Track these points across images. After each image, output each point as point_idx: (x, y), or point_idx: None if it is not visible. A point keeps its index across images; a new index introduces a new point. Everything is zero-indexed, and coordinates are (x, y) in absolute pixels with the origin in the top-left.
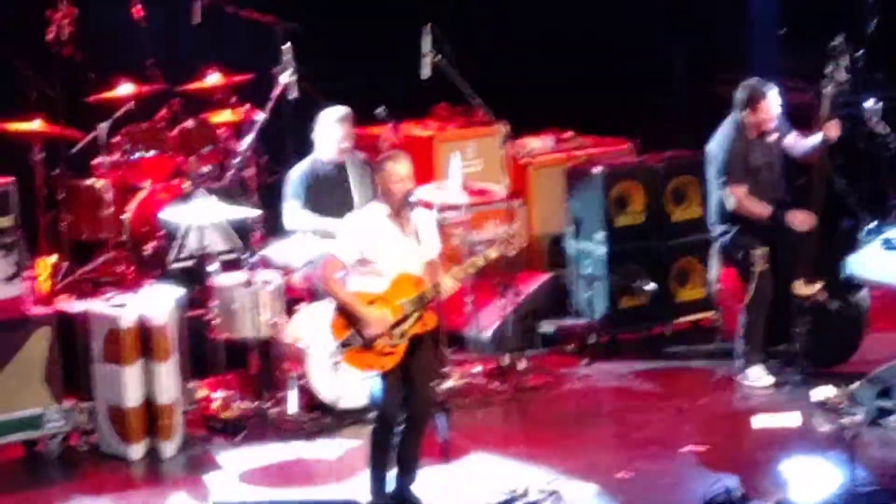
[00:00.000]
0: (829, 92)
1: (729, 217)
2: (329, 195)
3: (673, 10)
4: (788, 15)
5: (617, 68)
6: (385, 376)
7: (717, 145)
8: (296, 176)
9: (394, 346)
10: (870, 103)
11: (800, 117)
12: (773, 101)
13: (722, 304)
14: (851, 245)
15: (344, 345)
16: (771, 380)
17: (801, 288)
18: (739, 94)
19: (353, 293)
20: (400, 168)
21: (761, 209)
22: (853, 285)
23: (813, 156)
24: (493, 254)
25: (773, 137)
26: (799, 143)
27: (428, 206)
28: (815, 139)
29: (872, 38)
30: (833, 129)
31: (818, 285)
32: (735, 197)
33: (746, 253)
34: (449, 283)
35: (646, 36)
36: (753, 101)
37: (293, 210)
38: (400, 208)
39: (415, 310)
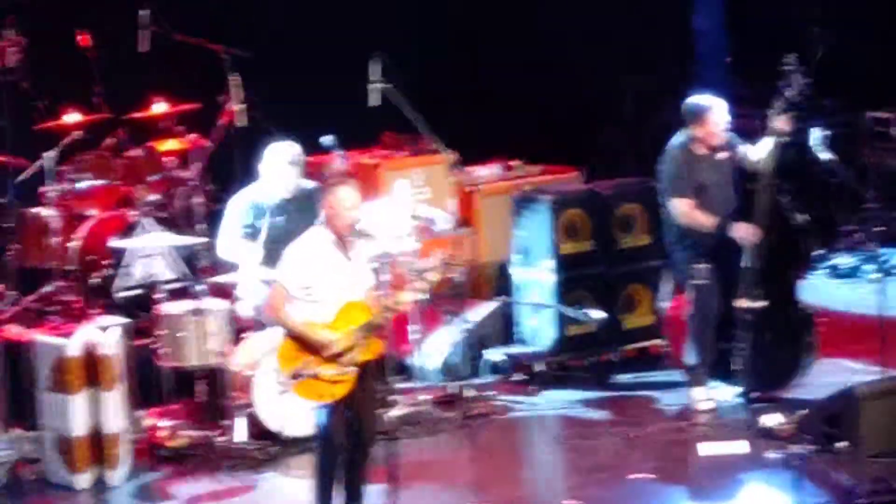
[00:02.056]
0: (779, 105)
1: (678, 234)
2: (270, 223)
3: (621, 40)
4: (735, 43)
5: (565, 97)
6: (331, 405)
7: (663, 163)
8: (235, 203)
9: (344, 374)
10: (817, 132)
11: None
12: (719, 115)
13: (671, 331)
14: (798, 262)
15: (294, 376)
16: (712, 403)
17: (745, 303)
18: (686, 109)
19: (303, 322)
20: (348, 196)
21: (707, 220)
22: (798, 306)
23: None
24: (434, 277)
25: (723, 155)
26: (750, 149)
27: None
28: (766, 140)
29: (819, 66)
30: (784, 123)
31: (762, 302)
32: (680, 209)
33: (689, 267)
34: (394, 308)
35: (594, 65)
36: (700, 115)
37: (228, 240)
38: (345, 236)
39: (363, 337)
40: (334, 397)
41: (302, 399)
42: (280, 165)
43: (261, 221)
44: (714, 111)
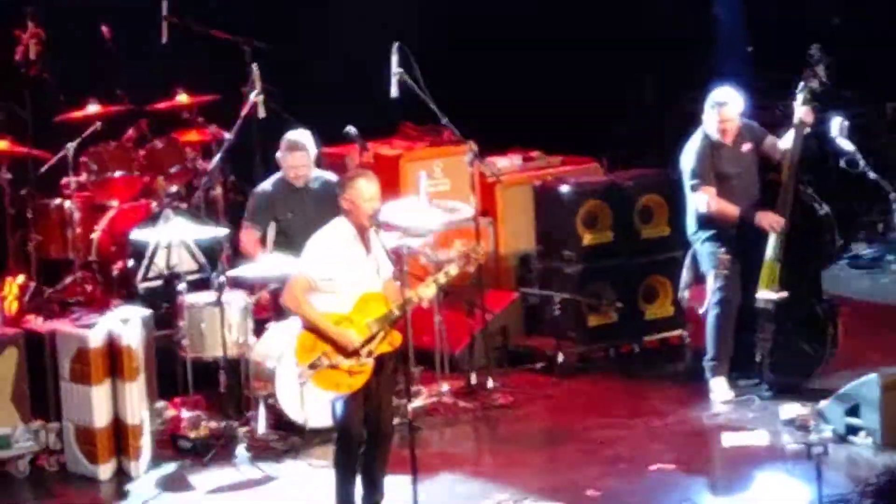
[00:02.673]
0: (803, 96)
1: (701, 223)
2: (291, 215)
3: (641, 30)
4: (756, 34)
5: (585, 87)
6: (348, 395)
7: (686, 153)
8: (256, 198)
9: (362, 366)
10: (837, 121)
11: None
12: (731, 110)
13: (692, 321)
14: (821, 254)
15: (312, 366)
16: (731, 394)
17: (767, 294)
18: (706, 102)
19: (322, 314)
20: (369, 187)
21: (731, 210)
22: (820, 296)
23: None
24: (453, 270)
25: (746, 147)
26: (776, 140)
27: (392, 227)
28: (791, 132)
29: (840, 57)
30: (808, 114)
31: (784, 293)
32: (704, 199)
33: (711, 257)
34: (414, 300)
35: (615, 55)
36: (713, 108)
37: (249, 232)
38: (365, 228)
39: (381, 328)
40: (352, 388)
41: (319, 389)
42: (282, 151)
43: (280, 213)
44: (726, 107)
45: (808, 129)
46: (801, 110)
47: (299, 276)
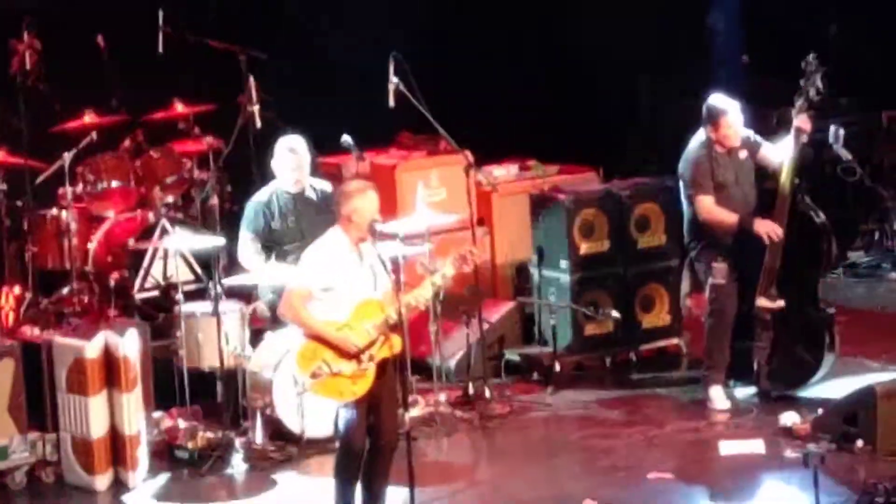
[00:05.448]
0: (800, 105)
1: (698, 232)
2: (285, 224)
3: (637, 39)
4: (752, 42)
5: (581, 96)
6: (352, 404)
7: (684, 160)
8: (252, 206)
9: (363, 371)
10: (833, 129)
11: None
12: (733, 118)
13: (689, 329)
14: (818, 262)
15: (314, 375)
16: (728, 403)
17: (764, 303)
18: (704, 110)
19: (322, 321)
20: (366, 198)
21: (729, 218)
22: (818, 305)
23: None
24: (449, 271)
25: (744, 154)
26: (773, 148)
27: (390, 236)
28: (788, 137)
29: (836, 65)
30: (805, 122)
31: (781, 302)
32: (702, 207)
33: (708, 266)
34: (412, 304)
35: (610, 64)
36: (715, 117)
37: (245, 243)
38: (362, 237)
39: (380, 333)
40: (355, 395)
41: (323, 398)
42: (279, 154)
43: (275, 222)
44: (729, 114)
45: (805, 137)
46: (799, 118)
47: (297, 286)
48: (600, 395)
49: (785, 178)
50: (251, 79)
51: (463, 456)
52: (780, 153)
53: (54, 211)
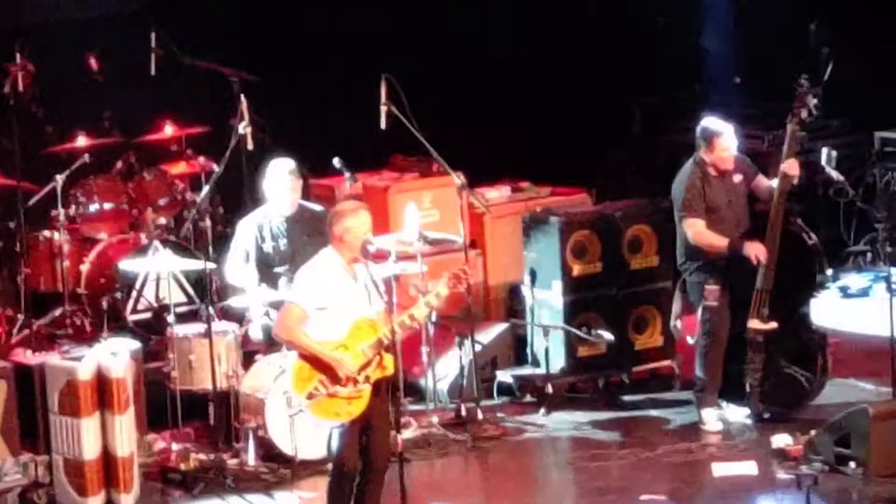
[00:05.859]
0: (792, 129)
1: (690, 254)
2: (277, 246)
3: (629, 60)
4: (744, 64)
5: (573, 118)
6: (346, 426)
7: (677, 182)
8: (243, 228)
9: (359, 391)
10: (825, 151)
11: (756, 165)
12: (728, 140)
13: (682, 351)
14: (810, 283)
15: (310, 396)
16: (721, 425)
17: (756, 324)
18: (697, 133)
19: (317, 342)
20: (359, 217)
21: (719, 241)
22: (810, 326)
23: (777, 195)
24: (444, 290)
25: (737, 178)
26: (763, 183)
27: (383, 257)
28: (775, 181)
29: (827, 87)
30: (793, 168)
31: (773, 323)
32: (692, 230)
33: (700, 288)
34: (407, 323)
35: (602, 86)
36: (708, 140)
37: (235, 264)
38: (355, 258)
39: (374, 353)
40: (351, 415)
41: (319, 419)
42: (272, 177)
43: (265, 244)
44: (723, 137)
45: (795, 180)
46: (787, 163)
47: (292, 306)
48: (593, 416)
49: (775, 207)
50: (243, 100)
51: (455, 477)
52: (769, 189)
53: (47, 233)
